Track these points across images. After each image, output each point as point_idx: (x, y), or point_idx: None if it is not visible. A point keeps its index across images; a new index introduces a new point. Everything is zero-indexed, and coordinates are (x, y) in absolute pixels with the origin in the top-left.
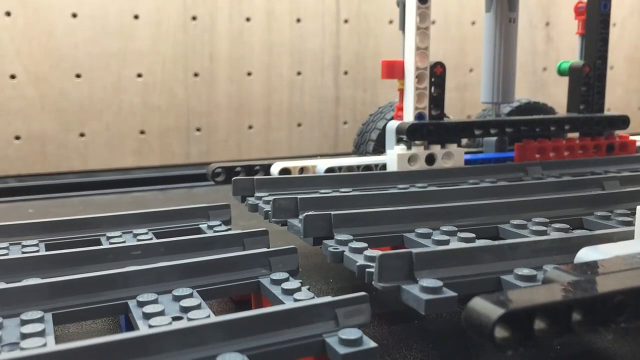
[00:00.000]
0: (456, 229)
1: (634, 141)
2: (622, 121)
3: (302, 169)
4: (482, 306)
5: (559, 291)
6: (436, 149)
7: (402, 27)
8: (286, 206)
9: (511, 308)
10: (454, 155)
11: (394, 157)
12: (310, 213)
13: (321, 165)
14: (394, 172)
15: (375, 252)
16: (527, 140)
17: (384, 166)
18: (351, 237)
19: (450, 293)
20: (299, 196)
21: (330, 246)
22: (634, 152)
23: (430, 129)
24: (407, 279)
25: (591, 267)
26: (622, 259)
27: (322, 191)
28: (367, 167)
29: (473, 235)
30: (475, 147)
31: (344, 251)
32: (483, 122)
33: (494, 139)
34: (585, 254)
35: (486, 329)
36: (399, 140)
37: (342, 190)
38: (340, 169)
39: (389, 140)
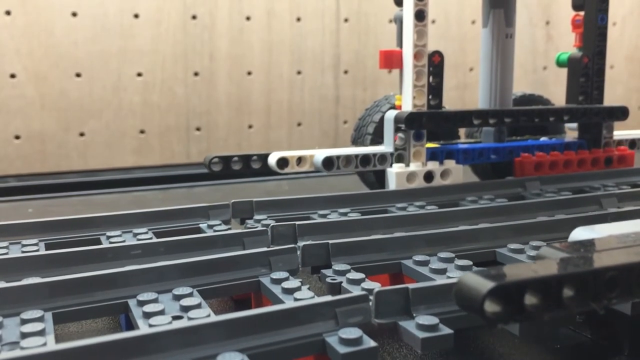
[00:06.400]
0: (454, 255)
1: (633, 153)
2: (622, 112)
3: (299, 159)
4: (473, 280)
5: (551, 266)
6: (434, 165)
7: (400, 44)
8: (285, 232)
9: (501, 282)
10: (452, 172)
11: (392, 175)
12: (308, 243)
13: (319, 155)
14: (393, 190)
15: (373, 284)
16: (525, 155)
17: (382, 156)
18: (349, 267)
19: (446, 330)
20: (297, 222)
21: (328, 276)
22: (632, 165)
23: (429, 117)
24: (404, 315)
25: (584, 245)
26: (615, 238)
27: (320, 212)
28: (365, 157)
29: (470, 262)
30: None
31: (341, 282)
32: (481, 112)
33: (493, 129)
34: (580, 234)
35: (476, 303)
36: (397, 130)
37: (341, 210)
38: (338, 158)
39: (387, 130)
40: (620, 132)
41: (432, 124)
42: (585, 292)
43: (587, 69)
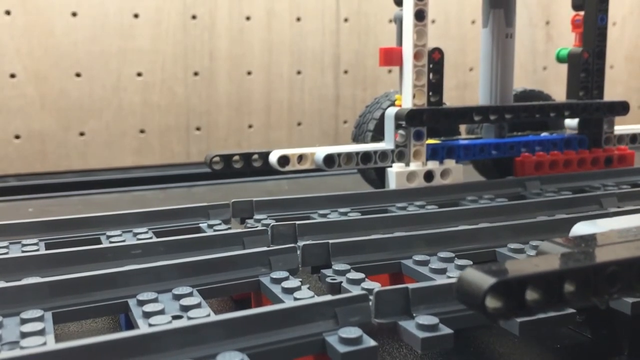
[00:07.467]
0: (454, 255)
1: (633, 153)
2: (622, 107)
3: (300, 157)
4: (474, 276)
5: (552, 262)
6: (434, 165)
7: (400, 44)
8: (285, 232)
9: (502, 277)
10: (452, 172)
11: (392, 175)
12: (308, 243)
13: (320, 152)
14: (393, 190)
15: (373, 284)
16: (525, 155)
17: (383, 153)
18: (349, 267)
19: (446, 330)
20: (297, 222)
21: (328, 276)
22: (633, 164)
23: (430, 114)
24: (404, 314)
25: (585, 239)
26: (616, 233)
27: (320, 212)
28: (366, 154)
29: (470, 262)
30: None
31: (341, 282)
32: (482, 108)
33: (493, 125)
34: (581, 228)
35: (477, 299)
36: (398, 127)
37: (341, 210)
38: (339, 155)
39: (387, 127)
40: (621, 127)
41: (432, 120)
42: (586, 287)
43: (587, 64)
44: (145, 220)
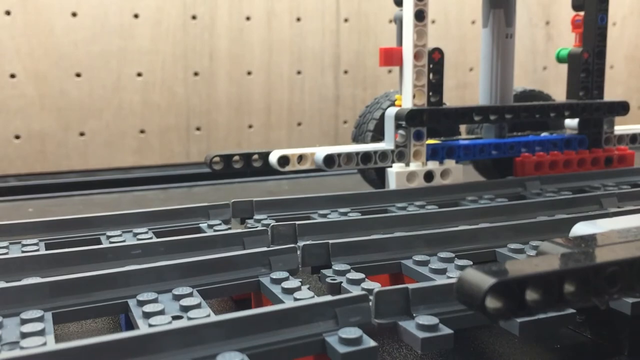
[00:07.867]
0: (454, 255)
1: (633, 153)
2: (622, 107)
3: (300, 157)
4: (474, 276)
5: (552, 262)
6: (434, 165)
7: (400, 44)
8: (285, 232)
9: (503, 278)
10: (452, 172)
11: (392, 175)
12: (308, 243)
13: (320, 152)
14: (393, 190)
15: (373, 284)
16: (525, 155)
17: (383, 153)
18: (349, 267)
19: (446, 330)
20: (297, 222)
21: (328, 277)
22: (633, 165)
23: (430, 114)
24: (403, 315)
25: (585, 240)
26: (617, 233)
27: (320, 212)
28: (366, 154)
29: (470, 262)
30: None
31: (341, 282)
32: (482, 108)
33: (493, 125)
34: (581, 229)
35: (477, 299)
36: (398, 127)
37: (341, 210)
38: (339, 156)
39: (387, 127)
40: (621, 127)
41: (432, 120)
42: (586, 288)
43: (587, 64)
44: (146, 220)
